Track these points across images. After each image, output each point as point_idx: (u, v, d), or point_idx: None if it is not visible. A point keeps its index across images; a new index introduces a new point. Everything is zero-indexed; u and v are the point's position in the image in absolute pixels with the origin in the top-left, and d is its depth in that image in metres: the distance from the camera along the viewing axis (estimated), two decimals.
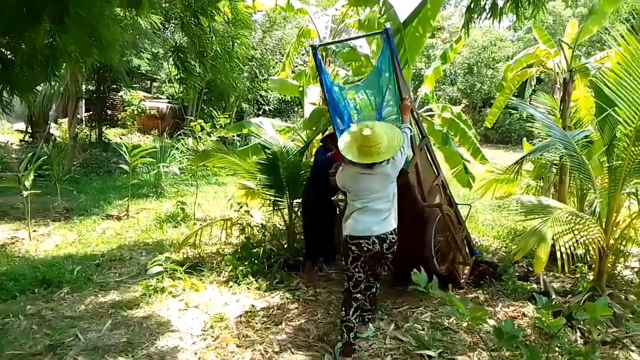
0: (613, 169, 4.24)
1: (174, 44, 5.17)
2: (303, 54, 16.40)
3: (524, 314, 4.18)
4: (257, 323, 4.02)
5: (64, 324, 3.91)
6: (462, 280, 4.82)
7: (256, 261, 5.27)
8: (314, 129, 6.11)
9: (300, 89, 7.34)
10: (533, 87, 10.94)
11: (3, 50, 3.41)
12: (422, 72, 21.04)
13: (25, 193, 6.51)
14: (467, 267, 4.96)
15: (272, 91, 19.03)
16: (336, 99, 4.21)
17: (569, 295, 4.47)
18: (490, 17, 4.24)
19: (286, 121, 15.04)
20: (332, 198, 5.20)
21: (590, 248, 4.10)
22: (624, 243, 4.63)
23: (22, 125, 16.72)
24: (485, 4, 4.23)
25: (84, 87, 15.03)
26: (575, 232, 3.96)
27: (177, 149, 11.52)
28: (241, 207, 6.29)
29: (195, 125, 8.36)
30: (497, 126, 25.06)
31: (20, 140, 15.32)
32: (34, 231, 6.82)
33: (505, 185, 6.87)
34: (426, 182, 4.25)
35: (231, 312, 4.22)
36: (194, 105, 18.21)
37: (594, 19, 6.02)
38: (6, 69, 3.32)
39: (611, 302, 4.00)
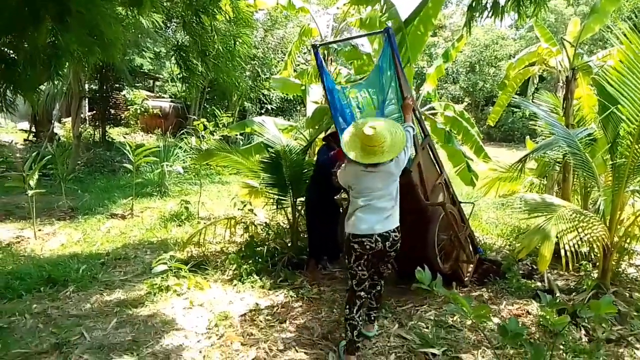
0: (617, 167, 4.23)
1: (176, 42, 5.17)
2: (305, 53, 16.42)
3: (528, 312, 4.19)
4: (261, 321, 4.03)
5: (69, 323, 3.93)
6: (466, 279, 4.83)
7: (260, 260, 5.29)
8: (316, 127, 6.12)
9: (303, 87, 7.35)
10: (535, 86, 10.92)
11: (6, 49, 3.43)
12: (424, 70, 21.05)
13: (30, 192, 6.53)
14: (471, 266, 4.96)
15: (274, 90, 19.01)
16: (337, 98, 4.22)
17: (573, 293, 4.47)
18: (492, 15, 4.25)
19: (289, 120, 15.05)
20: (335, 197, 5.22)
21: (595, 246, 4.10)
22: (628, 241, 4.62)
23: (26, 125, 16.78)
24: (487, 2, 4.24)
25: (87, 86, 15.06)
26: (579, 230, 3.96)
27: (180, 148, 11.54)
28: (245, 205, 6.30)
29: (198, 124, 8.38)
30: (499, 124, 25.03)
31: (25, 140, 15.38)
32: (39, 230, 6.85)
33: (509, 183, 6.87)
34: (429, 180, 4.26)
35: (235, 311, 4.23)
36: (196, 104, 18.23)
37: (596, 17, 6.01)
38: (9, 68, 3.33)
39: (616, 299, 4.00)
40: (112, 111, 16.23)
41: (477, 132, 7.97)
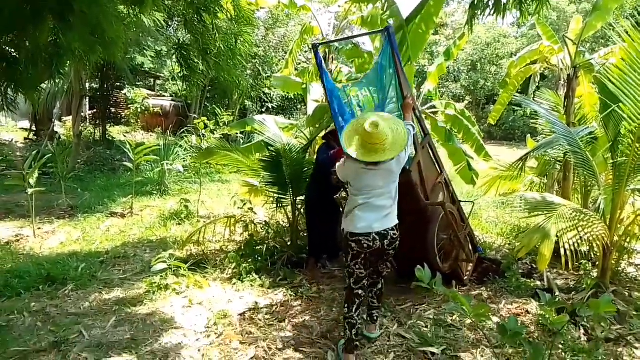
0: (617, 166, 4.21)
1: (177, 41, 5.16)
2: (306, 51, 16.38)
3: (527, 311, 4.18)
4: (260, 320, 4.03)
5: (68, 321, 3.93)
6: (466, 278, 4.82)
7: (260, 258, 5.28)
8: (317, 126, 6.11)
9: (304, 86, 7.33)
10: (537, 84, 10.86)
11: (7, 48, 3.43)
12: (425, 69, 21.01)
13: (29, 191, 6.53)
14: (471, 265, 4.95)
15: (275, 88, 19.02)
16: (338, 97, 4.21)
17: (573, 293, 4.46)
18: (494, 13, 4.22)
19: (289, 118, 15.04)
20: (335, 196, 5.21)
21: (595, 245, 4.09)
22: (628, 240, 4.61)
23: (26, 124, 16.81)
24: (488, 0, 4.21)
25: (87, 85, 15.07)
26: (580, 229, 3.95)
27: (180, 146, 11.54)
28: (245, 204, 6.29)
29: (198, 123, 8.38)
30: (500, 123, 24.96)
31: (25, 139, 15.41)
32: (39, 229, 6.85)
33: (509, 182, 6.86)
34: (429, 180, 4.24)
35: (235, 309, 4.23)
36: (197, 103, 18.23)
37: (598, 15, 5.99)
38: (10, 66, 3.33)
39: (615, 299, 4.00)
40: (113, 110, 16.25)
41: (478, 130, 7.95)
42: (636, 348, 3.54)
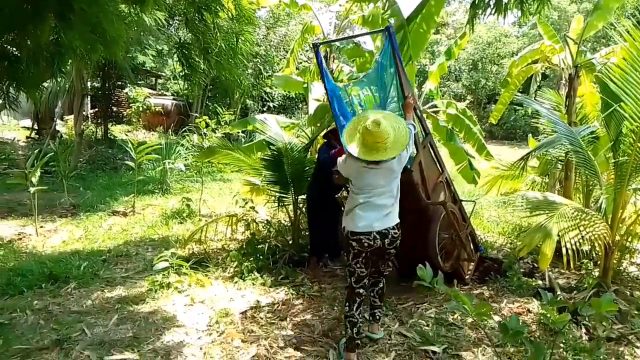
0: (619, 165, 4.21)
1: (178, 40, 5.18)
2: (307, 51, 16.35)
3: (529, 310, 4.18)
4: (262, 318, 4.03)
5: (70, 319, 3.94)
6: (467, 277, 4.82)
7: (261, 257, 5.29)
8: (318, 125, 6.11)
9: (305, 85, 7.33)
10: (538, 83, 10.87)
11: (9, 47, 3.43)
12: (426, 68, 20.99)
13: (32, 189, 6.55)
14: (472, 264, 4.95)
15: (276, 88, 19.02)
16: (339, 96, 4.22)
17: (574, 292, 4.46)
18: (495, 12, 4.23)
19: (291, 118, 15.02)
20: (336, 195, 5.21)
21: (596, 244, 4.09)
22: (629, 239, 4.61)
23: (28, 122, 16.82)
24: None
25: (89, 84, 15.09)
26: (581, 228, 3.95)
27: (182, 145, 11.56)
28: (246, 203, 6.29)
29: (200, 122, 8.38)
30: (502, 122, 24.95)
31: (27, 137, 15.42)
32: (41, 227, 6.87)
33: (511, 181, 6.86)
34: (430, 179, 4.25)
35: (236, 308, 4.24)
36: (198, 102, 18.24)
37: (599, 15, 5.99)
38: (12, 65, 3.34)
39: (616, 298, 3.99)
40: (114, 109, 16.28)
41: (479, 129, 7.96)
42: (637, 347, 3.54)
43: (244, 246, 5.58)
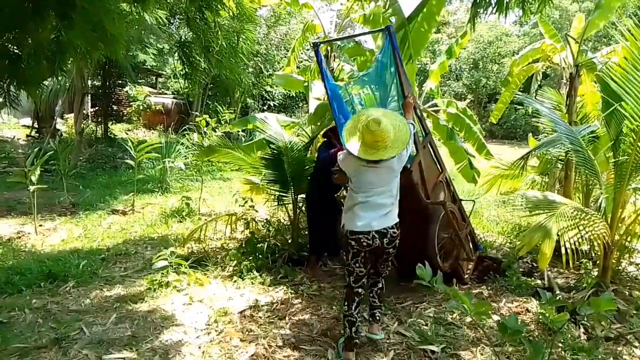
0: (619, 165, 4.21)
1: (179, 39, 5.16)
2: (308, 49, 16.36)
3: (527, 309, 4.18)
4: (260, 318, 4.03)
5: (69, 318, 3.94)
6: (466, 276, 4.82)
7: (260, 256, 5.29)
8: (318, 124, 6.11)
9: (305, 84, 7.33)
10: (539, 82, 10.87)
11: (9, 45, 3.43)
12: (427, 67, 20.98)
13: (31, 188, 6.55)
14: (471, 263, 4.95)
15: (277, 86, 19.00)
16: (339, 96, 4.21)
17: (573, 291, 4.45)
18: (496, 11, 4.22)
19: (291, 116, 15.01)
20: (336, 195, 5.21)
21: (595, 244, 4.09)
22: (629, 239, 4.60)
23: (28, 121, 16.82)
24: None
25: (89, 82, 15.07)
26: (580, 227, 3.95)
27: (182, 144, 11.54)
28: (246, 202, 6.29)
29: (200, 121, 8.38)
30: (502, 121, 24.93)
31: (27, 136, 15.41)
32: (40, 226, 6.87)
33: (510, 180, 6.86)
34: (430, 179, 4.24)
35: (235, 307, 4.24)
36: (199, 101, 18.22)
37: (601, 14, 5.98)
38: (13, 63, 3.33)
39: (615, 298, 4.00)
40: (115, 107, 16.26)
41: (480, 129, 7.95)
42: (636, 347, 3.54)
43: (243, 245, 5.58)
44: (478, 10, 4.40)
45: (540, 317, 3.89)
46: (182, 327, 3.86)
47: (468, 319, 3.89)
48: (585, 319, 3.75)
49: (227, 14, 5.13)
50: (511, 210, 8.03)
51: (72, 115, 13.71)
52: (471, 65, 30.27)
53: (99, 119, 15.83)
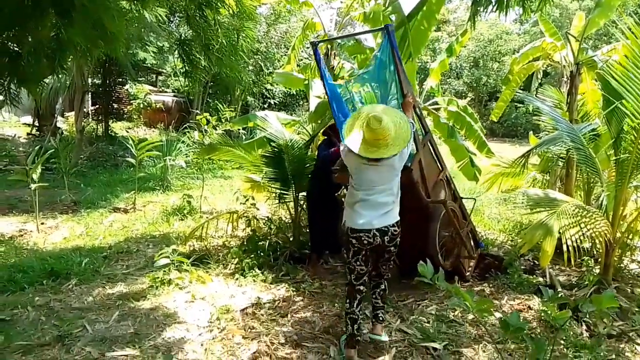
0: (620, 162, 4.21)
1: (179, 37, 5.16)
2: (308, 48, 16.32)
3: (529, 307, 4.19)
4: (262, 315, 4.04)
5: (71, 315, 3.95)
6: (468, 274, 4.83)
7: (262, 254, 5.29)
8: (319, 122, 6.10)
9: (306, 82, 7.32)
10: (539, 81, 10.87)
11: (9, 43, 3.43)
12: (427, 65, 20.96)
13: (33, 186, 6.55)
14: (473, 261, 4.96)
15: (277, 84, 19.01)
16: (338, 96, 4.21)
17: (575, 289, 4.46)
18: (497, 10, 4.22)
19: (291, 114, 15.03)
20: (336, 194, 5.21)
21: (597, 241, 4.10)
22: (630, 236, 4.61)
23: (29, 119, 16.83)
24: None
25: (90, 80, 15.06)
26: (582, 225, 3.95)
27: (183, 142, 11.53)
28: (247, 200, 6.30)
29: (201, 119, 8.37)
30: (503, 120, 24.93)
31: (28, 134, 15.42)
32: (42, 224, 6.88)
33: (512, 178, 6.86)
34: (430, 177, 4.24)
35: (237, 304, 4.25)
36: (199, 99, 18.22)
37: (601, 12, 5.98)
38: (13, 61, 3.33)
39: (617, 295, 4.00)
40: (115, 105, 16.27)
41: (480, 127, 7.94)
42: (638, 344, 3.55)
43: (245, 243, 5.58)
44: (478, 8, 4.39)
45: (542, 314, 3.89)
46: (185, 324, 3.87)
47: (470, 317, 3.90)
48: (587, 317, 3.76)
49: (227, 12, 5.12)
50: (512, 208, 8.04)
51: (73, 113, 13.71)
52: (472, 64, 30.27)
53: (100, 117, 15.84)
